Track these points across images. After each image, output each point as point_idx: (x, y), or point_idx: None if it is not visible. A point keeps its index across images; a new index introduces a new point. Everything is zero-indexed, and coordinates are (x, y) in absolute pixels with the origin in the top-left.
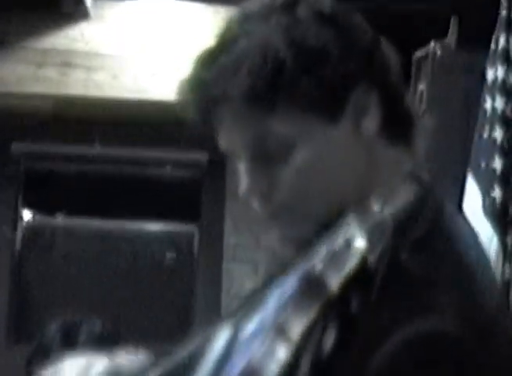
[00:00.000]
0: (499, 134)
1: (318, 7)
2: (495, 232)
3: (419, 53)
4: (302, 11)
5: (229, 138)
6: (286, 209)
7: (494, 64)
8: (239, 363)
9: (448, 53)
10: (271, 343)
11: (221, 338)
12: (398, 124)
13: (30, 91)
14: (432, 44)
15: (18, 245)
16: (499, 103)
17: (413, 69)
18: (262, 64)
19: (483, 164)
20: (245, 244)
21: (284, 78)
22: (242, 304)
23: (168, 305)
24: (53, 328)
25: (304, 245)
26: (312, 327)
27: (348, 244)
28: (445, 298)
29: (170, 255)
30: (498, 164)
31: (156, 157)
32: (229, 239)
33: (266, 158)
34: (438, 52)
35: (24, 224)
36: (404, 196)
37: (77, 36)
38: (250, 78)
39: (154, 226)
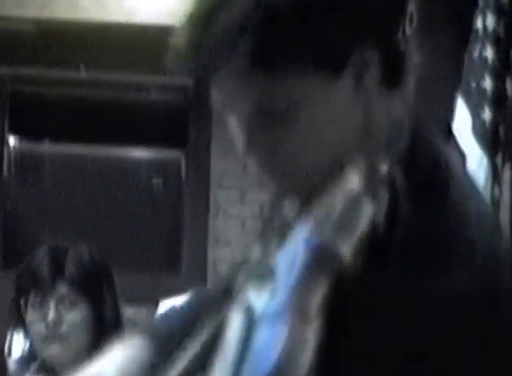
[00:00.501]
0: (489, 53)
1: None
2: (485, 153)
3: None
4: None
5: (228, 98)
6: (289, 166)
7: None
8: (268, 352)
9: None
10: (297, 328)
11: (235, 323)
12: (394, 73)
13: (12, 14)
14: None
15: (5, 171)
16: (491, 21)
17: None
18: (264, 22)
19: (473, 85)
20: (232, 171)
21: (287, 35)
22: (246, 275)
23: (156, 231)
24: (41, 252)
25: (305, 202)
26: (328, 297)
27: (355, 206)
28: (458, 256)
29: (156, 181)
30: (488, 84)
31: (142, 81)
32: (216, 165)
33: (268, 117)
34: None
35: (11, 149)
36: (399, 147)
37: None
38: (253, 39)
39: (140, 152)
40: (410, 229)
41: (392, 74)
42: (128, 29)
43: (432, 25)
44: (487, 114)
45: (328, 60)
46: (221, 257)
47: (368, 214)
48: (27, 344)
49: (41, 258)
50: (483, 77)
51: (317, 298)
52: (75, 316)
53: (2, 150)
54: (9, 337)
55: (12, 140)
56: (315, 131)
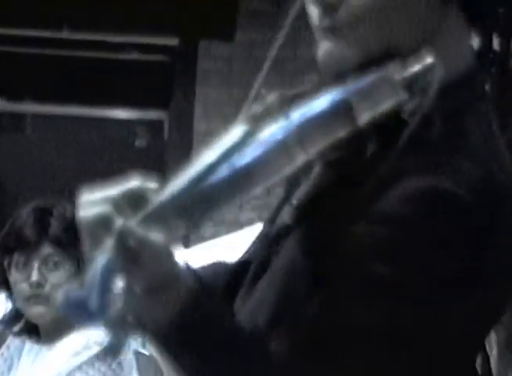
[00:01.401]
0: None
1: None
2: None
3: None
4: None
5: None
6: (345, 26)
7: None
8: (251, 154)
9: None
10: (288, 149)
11: (233, 132)
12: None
13: None
14: None
15: None
16: None
17: None
18: None
19: None
20: (215, 132)
21: None
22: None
23: None
24: (24, 212)
25: (345, 70)
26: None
27: (387, 81)
28: (466, 165)
29: (140, 141)
30: None
31: (125, 41)
32: (199, 126)
33: None
34: None
35: None
36: (458, 63)
37: None
38: None
39: (123, 112)
40: (432, 127)
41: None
42: None
43: None
44: None
45: None
46: None
47: (396, 98)
48: (10, 305)
49: (25, 218)
50: None
51: (322, 140)
52: (59, 277)
53: None
54: None
55: None
56: (380, 4)
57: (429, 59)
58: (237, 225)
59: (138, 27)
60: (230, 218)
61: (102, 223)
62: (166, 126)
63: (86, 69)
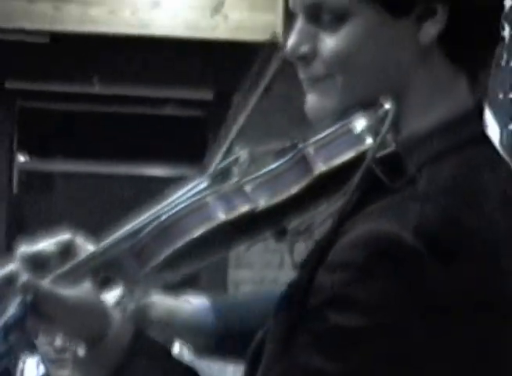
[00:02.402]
0: None
1: None
2: None
3: None
4: None
5: None
6: (323, 76)
7: None
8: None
9: None
10: (225, 202)
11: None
12: (463, 47)
13: (23, 26)
14: None
15: (15, 189)
16: None
17: None
18: None
19: (500, 95)
20: None
21: None
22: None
23: None
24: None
25: (325, 121)
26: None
27: (347, 132)
28: (421, 214)
29: None
30: None
31: (158, 95)
32: None
33: (318, 22)
34: None
35: (20, 167)
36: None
37: None
38: None
39: (158, 169)
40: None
41: (462, 48)
42: (142, 41)
43: None
44: None
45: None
46: (242, 279)
47: (356, 147)
48: (41, 369)
49: None
50: (510, 88)
51: (279, 194)
52: None
53: (12, 168)
54: (21, 364)
55: (21, 156)
56: (355, 50)
57: (387, 106)
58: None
59: (171, 81)
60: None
61: (7, 280)
62: None
63: (117, 125)
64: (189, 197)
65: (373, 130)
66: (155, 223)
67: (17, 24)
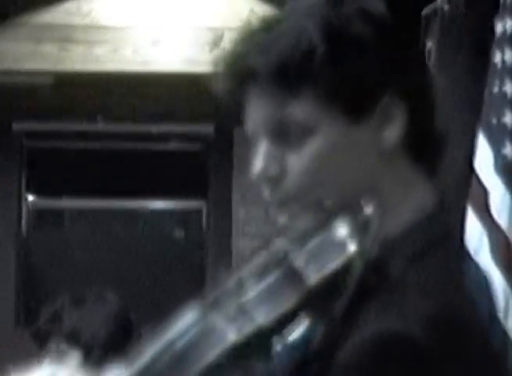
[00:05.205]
0: (509, 87)
1: (364, 5)
2: (508, 189)
3: (426, 10)
4: (347, 7)
5: (253, 116)
6: (293, 197)
7: (503, 17)
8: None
9: (456, 9)
10: (231, 324)
11: (185, 319)
12: (424, 146)
13: (30, 68)
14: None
15: (24, 228)
16: (509, 55)
17: (422, 26)
18: (294, 47)
19: (494, 120)
20: (254, 219)
21: (313, 65)
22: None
23: (179, 282)
24: (61, 300)
25: (307, 234)
26: (285, 315)
27: (331, 241)
28: (423, 307)
29: (179, 232)
30: (509, 118)
31: (160, 131)
32: (238, 213)
33: (283, 142)
34: (446, 8)
35: (29, 206)
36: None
37: (74, 10)
38: (280, 58)
39: (161, 203)
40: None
41: (422, 147)
42: (144, 78)
43: (449, 60)
44: (509, 150)
45: (350, 103)
46: None
47: (343, 254)
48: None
49: (62, 303)
50: (503, 113)
51: (273, 309)
52: None
53: (21, 208)
54: None
55: (30, 196)
56: (323, 166)
57: (368, 211)
58: None
59: (172, 117)
60: None
61: None
62: (204, 215)
63: (121, 161)
64: (192, 324)
65: (356, 235)
66: (169, 353)
67: (24, 66)
